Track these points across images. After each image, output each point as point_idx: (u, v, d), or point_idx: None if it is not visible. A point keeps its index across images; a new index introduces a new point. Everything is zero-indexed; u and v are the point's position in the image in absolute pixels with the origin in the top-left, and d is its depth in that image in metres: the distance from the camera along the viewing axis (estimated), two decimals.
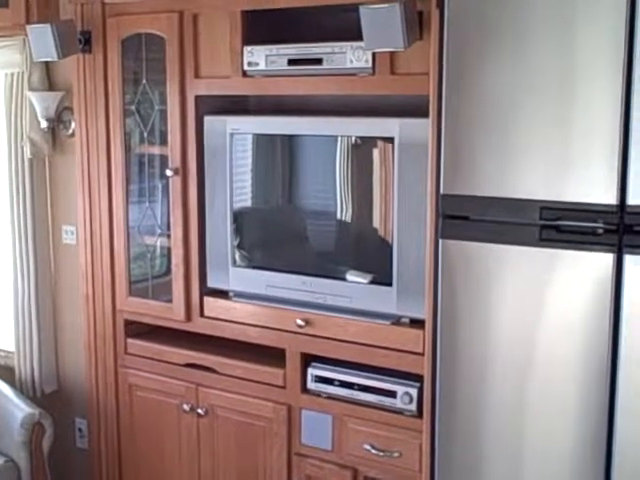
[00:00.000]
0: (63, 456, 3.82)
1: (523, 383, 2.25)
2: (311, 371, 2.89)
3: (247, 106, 3.17)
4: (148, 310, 3.27)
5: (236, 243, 3.04)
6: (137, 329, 3.35)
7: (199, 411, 3.14)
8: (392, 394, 2.73)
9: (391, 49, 2.51)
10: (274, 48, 2.80)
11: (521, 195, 2.17)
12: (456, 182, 2.27)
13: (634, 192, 2.04)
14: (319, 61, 2.72)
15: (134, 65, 3.18)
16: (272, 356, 2.98)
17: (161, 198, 3.27)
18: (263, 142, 3.00)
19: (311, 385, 2.90)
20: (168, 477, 3.30)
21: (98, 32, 3.17)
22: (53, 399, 3.84)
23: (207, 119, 3.00)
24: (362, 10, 2.46)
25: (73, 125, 3.50)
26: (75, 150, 3.37)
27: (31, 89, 3.56)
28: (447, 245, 2.31)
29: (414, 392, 2.69)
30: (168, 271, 3.23)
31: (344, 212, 2.86)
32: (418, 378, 2.63)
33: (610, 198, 2.06)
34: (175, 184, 3.09)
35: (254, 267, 3.03)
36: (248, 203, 3.06)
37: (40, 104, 3.54)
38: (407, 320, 2.72)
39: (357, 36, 2.52)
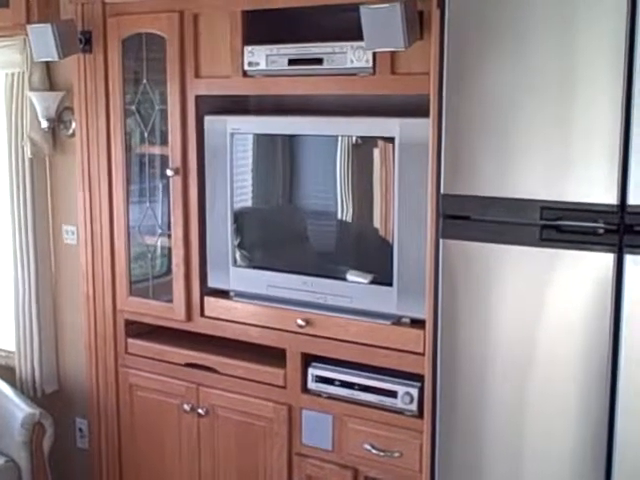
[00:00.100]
0: (64, 456, 3.82)
1: (523, 383, 2.25)
2: (312, 371, 2.89)
3: (247, 106, 3.17)
4: (149, 310, 3.27)
5: (237, 243, 3.04)
6: (138, 329, 3.35)
7: (200, 411, 3.14)
8: (393, 394, 2.73)
9: (391, 49, 2.51)
10: (274, 48, 2.80)
11: (521, 195, 2.17)
12: (456, 182, 2.27)
13: (635, 192, 2.04)
14: (319, 61, 2.72)
15: (134, 65, 3.18)
16: (273, 356, 2.98)
17: (161, 198, 3.27)
18: (263, 142, 3.00)
19: (312, 385, 2.90)
20: (168, 477, 3.30)
21: (98, 32, 3.17)
22: (53, 399, 3.84)
23: (207, 119, 3.00)
24: (362, 10, 2.46)
25: (73, 125, 3.50)
26: (75, 150, 3.37)
27: (31, 89, 3.56)
28: (447, 245, 2.31)
29: (415, 392, 2.69)
30: (169, 271, 3.23)
31: (344, 212, 2.86)
32: (419, 378, 2.63)
33: (611, 198, 2.06)
34: (175, 184, 3.09)
35: (255, 267, 3.03)
36: (249, 203, 3.06)
37: (40, 104, 3.54)
38: (407, 320, 2.72)
39: (357, 36, 2.52)
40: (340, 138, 2.79)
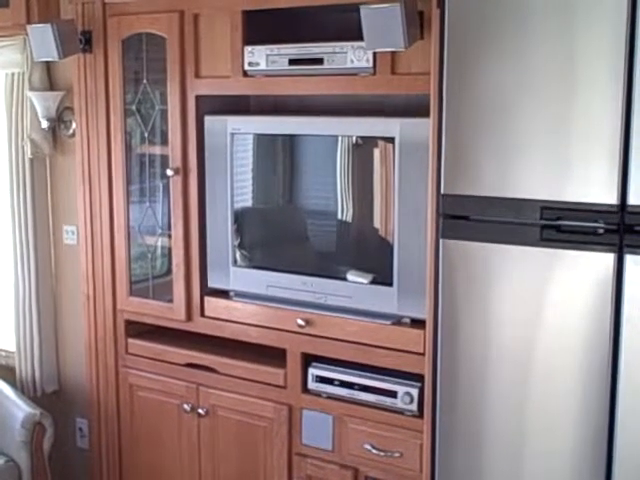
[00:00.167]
0: (64, 456, 3.82)
1: (524, 383, 2.25)
2: (312, 371, 2.89)
3: (248, 106, 3.17)
4: (149, 310, 3.27)
5: (237, 243, 3.04)
6: (138, 329, 3.35)
7: (200, 411, 3.14)
8: (393, 394, 2.73)
9: (392, 49, 2.51)
10: (275, 48, 2.80)
11: (522, 195, 2.17)
12: (457, 182, 2.27)
13: (635, 192, 2.04)
14: (320, 61, 2.72)
15: (135, 65, 3.18)
16: (273, 356, 2.98)
17: (162, 198, 3.27)
18: (264, 142, 3.00)
19: (312, 385, 2.90)
20: (168, 477, 3.30)
21: (99, 32, 3.17)
22: (54, 399, 3.84)
23: (208, 119, 3.00)
24: (363, 10, 2.46)
25: (74, 125, 3.50)
26: (76, 150, 3.37)
27: (32, 89, 3.56)
28: (448, 245, 2.31)
29: (415, 392, 2.68)
30: (169, 271, 3.23)
31: (345, 212, 2.86)
32: (419, 378, 2.63)
33: (611, 198, 2.06)
34: (176, 184, 3.09)
35: (255, 267, 3.03)
36: (249, 203, 3.06)
37: (41, 104, 3.55)
38: (408, 320, 2.72)
39: (358, 36, 2.52)
40: (340, 138, 2.79)
